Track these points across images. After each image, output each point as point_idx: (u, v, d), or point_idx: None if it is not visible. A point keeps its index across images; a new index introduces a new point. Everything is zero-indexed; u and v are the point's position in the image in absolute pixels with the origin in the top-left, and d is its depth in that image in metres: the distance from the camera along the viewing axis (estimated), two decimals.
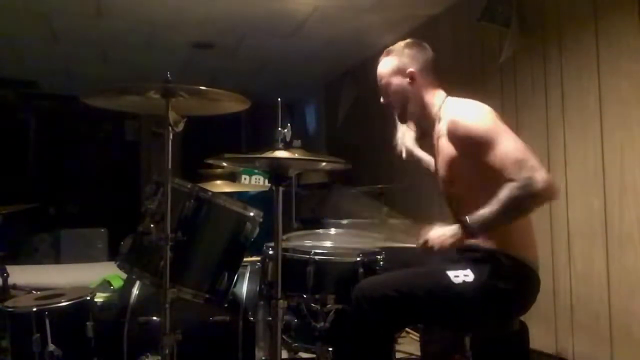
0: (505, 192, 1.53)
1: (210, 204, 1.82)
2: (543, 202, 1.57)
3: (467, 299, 1.61)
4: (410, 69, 1.83)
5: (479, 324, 1.73)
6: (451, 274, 1.64)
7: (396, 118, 1.96)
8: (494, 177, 1.61)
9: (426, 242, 1.65)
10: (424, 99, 1.85)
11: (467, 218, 1.59)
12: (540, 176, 1.51)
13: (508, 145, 1.59)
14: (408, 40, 1.90)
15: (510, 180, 1.54)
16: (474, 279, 1.62)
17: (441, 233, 1.65)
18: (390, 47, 1.90)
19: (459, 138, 1.68)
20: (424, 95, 1.85)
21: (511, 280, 1.64)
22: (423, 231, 1.68)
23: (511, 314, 1.74)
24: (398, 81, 1.85)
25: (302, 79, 5.73)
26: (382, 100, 1.93)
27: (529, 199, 1.53)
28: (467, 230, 1.60)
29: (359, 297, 1.66)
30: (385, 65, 1.88)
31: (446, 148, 1.74)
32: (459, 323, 1.75)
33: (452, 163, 1.74)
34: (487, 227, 1.59)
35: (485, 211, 1.56)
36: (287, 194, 4.44)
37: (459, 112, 1.73)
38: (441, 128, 1.78)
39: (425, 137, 1.99)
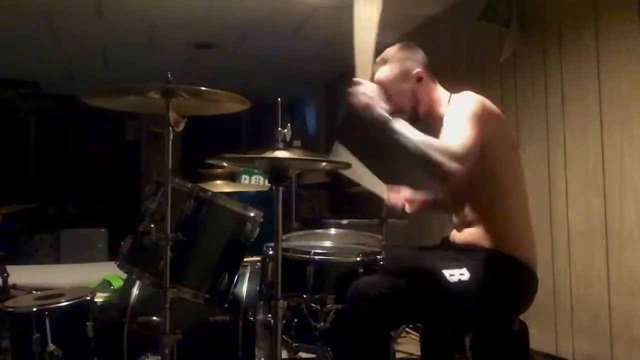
0: (433, 140, 1.56)
1: (210, 204, 1.82)
2: (437, 177, 1.59)
3: (462, 297, 1.61)
4: (417, 70, 1.82)
5: (475, 322, 1.73)
6: (447, 272, 1.64)
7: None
8: (492, 169, 1.64)
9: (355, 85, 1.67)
10: (432, 98, 1.84)
11: (394, 119, 1.61)
12: (459, 165, 1.51)
13: (464, 132, 1.59)
14: (400, 44, 1.88)
15: (447, 141, 1.56)
16: (470, 278, 1.62)
17: (370, 100, 1.66)
18: (384, 55, 1.86)
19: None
20: (432, 94, 1.84)
21: (507, 279, 1.64)
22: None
23: (508, 313, 1.74)
24: (406, 85, 1.82)
25: (302, 79, 5.73)
26: (389, 108, 1.90)
27: (435, 162, 1.52)
28: (386, 121, 1.61)
29: (354, 296, 1.66)
30: (386, 74, 1.84)
31: None
32: (455, 322, 1.75)
33: None
34: (397, 136, 1.59)
35: (410, 129, 1.58)
36: (287, 194, 4.44)
37: (456, 101, 1.77)
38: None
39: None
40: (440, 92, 1.86)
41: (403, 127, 1.59)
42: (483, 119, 1.63)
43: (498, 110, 1.75)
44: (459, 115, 1.65)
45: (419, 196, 2.10)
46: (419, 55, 1.86)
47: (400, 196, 2.10)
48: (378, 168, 2.10)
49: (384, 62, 1.85)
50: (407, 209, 2.09)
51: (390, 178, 2.17)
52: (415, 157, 1.55)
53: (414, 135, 1.57)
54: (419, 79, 1.82)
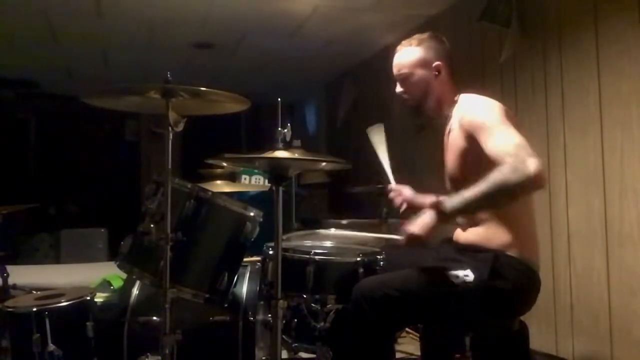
0: (495, 173, 1.48)
1: (210, 204, 1.82)
2: (532, 189, 1.52)
3: (466, 298, 1.61)
4: (437, 62, 1.82)
5: (479, 323, 1.73)
6: (451, 273, 1.64)
7: (408, 109, 1.92)
8: None
9: (410, 236, 1.62)
10: (443, 94, 1.84)
11: (445, 199, 1.58)
12: (532, 162, 1.46)
13: (507, 135, 1.57)
14: (430, 33, 1.88)
15: (504, 156, 1.51)
16: (474, 279, 1.62)
17: (420, 223, 1.62)
18: (411, 38, 1.87)
19: (466, 126, 1.69)
20: (444, 91, 1.84)
21: (511, 280, 1.64)
22: (403, 227, 1.66)
23: (511, 314, 1.74)
24: (422, 73, 1.82)
25: (302, 79, 5.73)
26: (397, 89, 1.90)
27: (518, 182, 1.46)
28: (445, 212, 1.57)
29: (358, 297, 1.66)
30: (409, 55, 1.85)
31: (457, 140, 1.75)
32: (459, 323, 1.75)
33: (461, 156, 1.74)
34: (468, 208, 1.57)
35: (468, 192, 1.53)
36: (287, 194, 4.44)
37: (470, 103, 1.76)
38: (453, 122, 1.79)
39: (424, 131, 2.01)
40: (453, 91, 1.86)
41: (463, 195, 1.54)
42: (507, 118, 1.64)
43: (503, 106, 1.74)
44: (490, 123, 1.61)
45: (416, 200, 2.09)
46: (444, 48, 1.87)
47: (401, 193, 2.12)
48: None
49: (409, 44, 1.86)
50: (402, 209, 2.11)
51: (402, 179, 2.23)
52: (501, 196, 1.50)
53: (474, 192, 1.51)
54: (438, 72, 1.82)
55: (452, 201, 1.57)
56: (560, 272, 2.59)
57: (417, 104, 1.86)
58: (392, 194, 2.13)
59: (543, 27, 2.73)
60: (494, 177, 1.48)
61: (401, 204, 2.09)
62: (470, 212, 1.65)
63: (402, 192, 2.10)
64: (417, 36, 1.88)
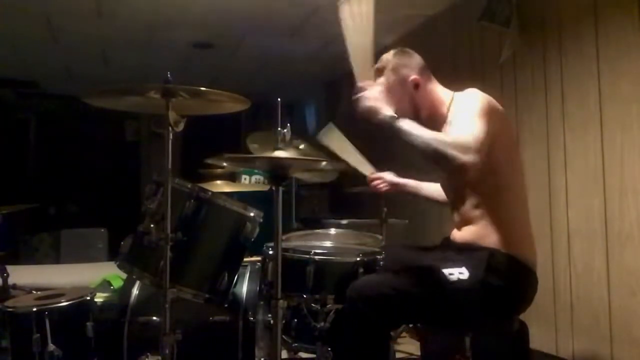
0: (443, 135, 1.60)
1: (210, 204, 1.82)
2: (449, 169, 1.57)
3: (461, 296, 1.61)
4: (412, 77, 1.81)
5: (474, 322, 1.73)
6: (446, 271, 1.64)
7: None
8: (494, 167, 1.64)
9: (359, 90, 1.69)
10: (432, 101, 1.84)
11: (400, 119, 1.62)
12: (472, 156, 1.50)
13: (473, 124, 1.60)
14: (394, 51, 1.87)
15: (458, 134, 1.56)
16: (469, 277, 1.62)
17: (373, 95, 1.68)
18: (378, 66, 1.84)
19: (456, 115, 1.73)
20: (432, 97, 1.84)
21: (506, 278, 1.64)
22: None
23: (507, 312, 1.74)
24: (404, 93, 1.82)
25: (302, 79, 5.73)
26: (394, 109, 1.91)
27: (449, 156, 1.50)
28: (393, 121, 1.62)
29: (354, 297, 1.66)
30: (385, 85, 1.83)
31: None
32: (455, 321, 1.75)
33: None
34: (406, 136, 1.59)
35: (418, 128, 1.59)
36: (287, 194, 4.44)
37: (459, 99, 1.78)
38: (449, 121, 1.79)
39: None
40: (442, 93, 1.85)
41: (410, 126, 1.60)
42: (489, 115, 1.64)
43: (502, 109, 1.75)
44: (467, 111, 1.66)
45: (400, 180, 2.21)
46: (414, 60, 1.85)
47: (383, 178, 2.21)
48: (368, 153, 2.23)
49: (380, 73, 1.84)
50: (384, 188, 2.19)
51: (378, 162, 2.29)
52: (427, 154, 1.55)
53: (423, 132, 1.57)
54: (416, 86, 1.82)
55: (405, 122, 1.61)
56: (560, 272, 2.59)
57: (414, 119, 1.86)
58: (374, 182, 2.21)
59: (543, 27, 2.73)
60: (440, 136, 1.57)
61: (386, 188, 2.19)
62: (402, 138, 1.63)
63: (383, 177, 2.20)
64: (382, 60, 1.85)
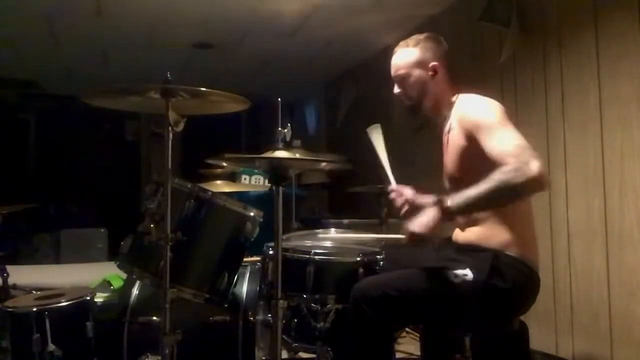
0: (497, 174, 1.50)
1: (210, 204, 1.82)
2: (534, 190, 1.53)
3: (466, 298, 1.61)
4: (434, 63, 1.83)
5: (478, 323, 1.73)
6: (450, 273, 1.64)
7: (406, 109, 1.93)
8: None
9: (412, 235, 1.63)
10: (441, 94, 1.85)
11: (447, 198, 1.59)
12: (535, 164, 1.48)
13: (509, 136, 1.58)
14: (428, 33, 1.90)
15: (505, 157, 1.52)
16: (474, 278, 1.62)
17: (422, 221, 1.62)
18: (409, 39, 1.88)
19: (467, 126, 1.70)
20: (442, 91, 1.85)
21: (511, 279, 1.64)
22: (406, 226, 1.66)
23: (510, 314, 1.74)
24: (419, 74, 1.84)
25: (302, 79, 5.73)
26: (395, 90, 1.92)
27: (520, 183, 1.47)
28: (447, 210, 1.58)
29: (357, 298, 1.66)
30: (405, 56, 1.87)
31: (456, 139, 1.75)
32: (459, 322, 1.75)
33: (460, 155, 1.75)
34: (470, 208, 1.59)
35: (470, 191, 1.54)
36: (287, 194, 4.44)
37: (470, 103, 1.77)
38: (452, 122, 1.79)
39: (423, 130, 2.01)
40: (450, 90, 1.87)
41: (465, 195, 1.55)
42: (508, 118, 1.65)
43: (502, 106, 1.75)
44: (492, 123, 1.63)
45: (419, 200, 2.07)
46: (441, 49, 1.88)
47: (402, 194, 2.09)
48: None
49: (406, 45, 1.88)
50: (403, 209, 2.08)
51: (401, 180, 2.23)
52: (505, 195, 1.52)
53: (480, 187, 1.52)
54: (434, 72, 1.83)
55: (454, 200, 1.58)
56: (560, 272, 2.59)
57: (415, 103, 1.88)
58: (393, 195, 2.11)
59: (543, 27, 2.73)
60: (497, 177, 1.49)
61: (402, 205, 2.07)
62: (472, 211, 1.66)
63: (403, 193, 2.07)
64: (414, 37, 1.89)
